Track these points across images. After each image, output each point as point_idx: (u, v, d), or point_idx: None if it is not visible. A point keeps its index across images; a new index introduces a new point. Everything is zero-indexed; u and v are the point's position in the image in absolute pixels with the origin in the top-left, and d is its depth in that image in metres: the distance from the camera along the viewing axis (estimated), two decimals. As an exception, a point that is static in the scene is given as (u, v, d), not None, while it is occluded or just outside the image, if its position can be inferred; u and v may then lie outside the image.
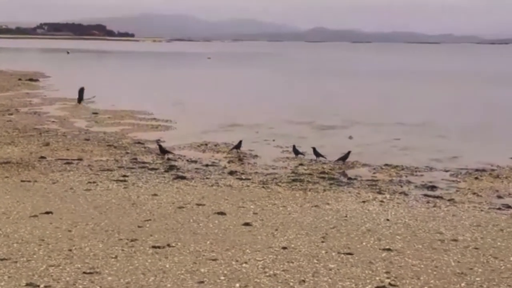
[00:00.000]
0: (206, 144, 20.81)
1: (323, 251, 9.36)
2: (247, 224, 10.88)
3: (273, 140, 22.00)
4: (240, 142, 19.65)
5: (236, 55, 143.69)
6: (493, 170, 17.37)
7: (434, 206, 12.86)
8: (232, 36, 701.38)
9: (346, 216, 11.66)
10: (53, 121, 25.69)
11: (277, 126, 25.60)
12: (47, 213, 11.27)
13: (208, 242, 9.68)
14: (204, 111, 30.68)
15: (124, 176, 15.23)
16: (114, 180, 14.61)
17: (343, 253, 9.29)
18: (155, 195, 13.12)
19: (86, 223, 10.67)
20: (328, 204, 12.76)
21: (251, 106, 33.96)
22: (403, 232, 10.58)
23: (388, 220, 11.44)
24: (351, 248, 9.58)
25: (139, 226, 10.52)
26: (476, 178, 16.29)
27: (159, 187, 14.06)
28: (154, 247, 9.37)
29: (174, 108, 31.45)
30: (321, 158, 18.50)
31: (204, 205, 12.30)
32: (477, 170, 17.34)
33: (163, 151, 18.56)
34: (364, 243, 9.85)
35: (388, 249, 9.54)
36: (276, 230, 10.55)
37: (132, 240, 9.66)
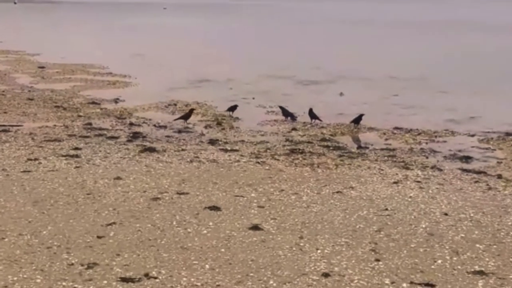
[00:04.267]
0: (175, 104, 17.33)
1: (387, 281, 6.11)
2: (256, 227, 7.56)
3: (253, 99, 18.64)
4: (235, 106, 16.27)
5: (192, 5, 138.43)
6: (527, 133, 14.38)
7: (489, 189, 9.74)
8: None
9: (386, 209, 8.44)
10: (-9, 77, 21.83)
11: (254, 82, 22.21)
12: (-37, 213, 7.79)
13: (207, 266, 6.34)
14: (167, 65, 27.04)
15: (76, 149, 11.73)
16: (62, 156, 11.11)
17: (419, 284, 6.05)
18: (119, 178, 9.68)
19: (19, 232, 7.20)
20: (352, 188, 9.52)
21: (220, 58, 30.31)
22: (480, 237, 7.39)
23: (446, 214, 8.25)
24: (425, 271, 6.34)
25: (98, 237, 7.10)
26: (514, 145, 13.25)
27: (123, 165, 10.61)
28: (123, 279, 6.00)
29: (132, 61, 27.77)
30: (317, 121, 15.28)
31: (187, 193, 8.94)
32: (508, 133, 14.30)
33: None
34: (439, 261, 6.62)
35: (481, 273, 6.34)
36: (301, 237, 7.26)
37: (89, 267, 6.25)
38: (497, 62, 30.50)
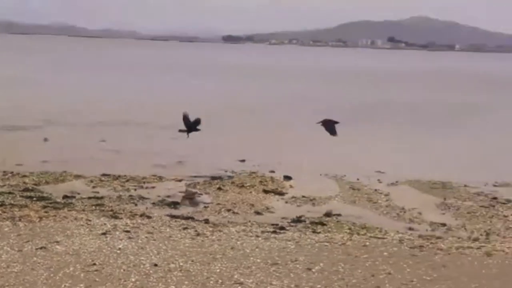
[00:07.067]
0: None
1: None
2: None
3: None
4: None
5: None
6: (228, 176, 14.96)
7: (197, 235, 9.79)
8: None
9: (94, 264, 7.99)
10: None
11: None
12: None
13: None
14: None
15: None
16: None
17: None
18: None
19: None
20: (57, 242, 8.92)
21: None
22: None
23: (156, 265, 8.04)
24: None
25: None
26: (219, 188, 13.69)
27: None
28: None
29: None
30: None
31: None
32: (213, 177, 14.75)
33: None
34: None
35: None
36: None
37: None
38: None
